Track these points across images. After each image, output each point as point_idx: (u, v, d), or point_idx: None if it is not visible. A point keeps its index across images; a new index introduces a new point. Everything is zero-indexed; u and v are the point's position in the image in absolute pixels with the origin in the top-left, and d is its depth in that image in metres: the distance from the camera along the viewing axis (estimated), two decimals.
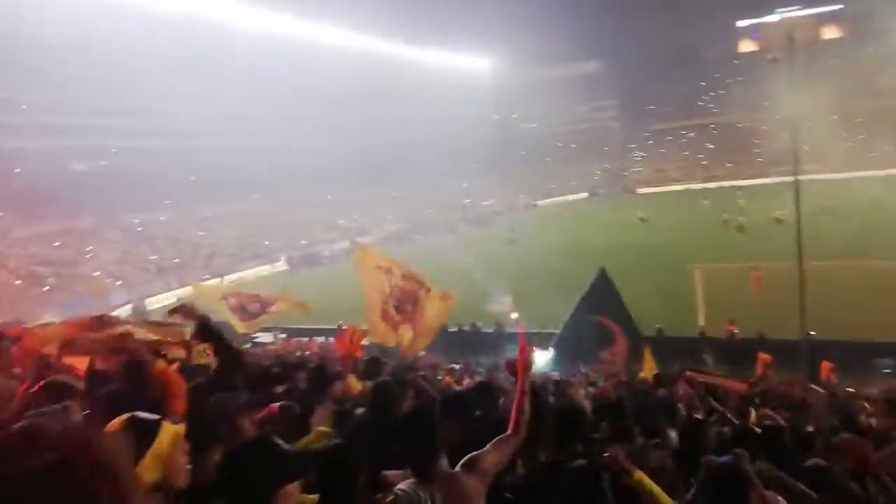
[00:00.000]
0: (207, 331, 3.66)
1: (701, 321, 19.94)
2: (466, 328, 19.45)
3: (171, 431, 2.06)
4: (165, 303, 25.57)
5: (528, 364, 3.15)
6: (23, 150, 46.07)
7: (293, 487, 2.02)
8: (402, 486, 2.54)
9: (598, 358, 13.04)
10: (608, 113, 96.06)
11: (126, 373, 3.47)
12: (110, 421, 2.76)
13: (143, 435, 1.98)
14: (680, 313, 20.79)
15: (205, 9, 58.53)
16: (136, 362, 3.39)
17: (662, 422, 5.09)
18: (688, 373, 7.70)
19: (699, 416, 5.65)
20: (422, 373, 8.10)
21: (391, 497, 2.48)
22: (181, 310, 4.14)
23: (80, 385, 3.43)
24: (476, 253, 34.89)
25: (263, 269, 43.52)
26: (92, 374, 3.84)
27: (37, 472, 1.77)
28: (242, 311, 7.96)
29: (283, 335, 19.22)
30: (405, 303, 7.35)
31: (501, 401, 4.24)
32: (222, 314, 7.68)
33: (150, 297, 33.74)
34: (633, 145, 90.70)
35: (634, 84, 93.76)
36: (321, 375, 4.31)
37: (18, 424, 2.37)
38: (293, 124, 66.40)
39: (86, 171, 48.80)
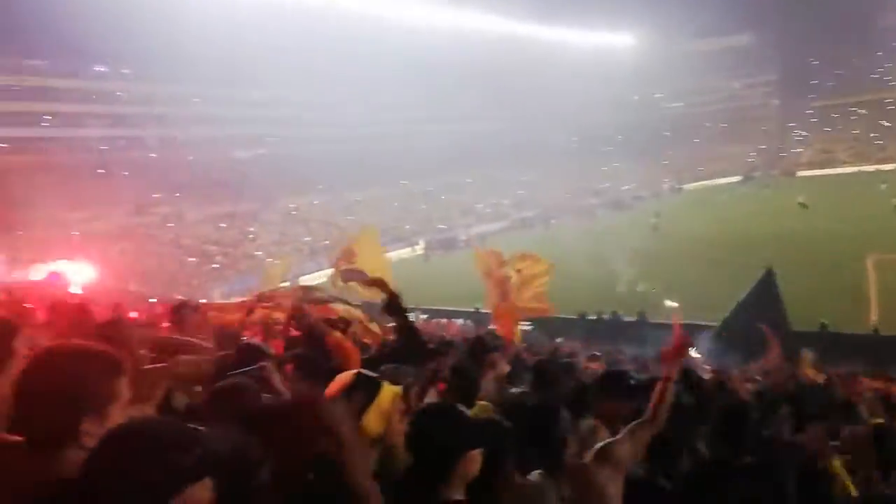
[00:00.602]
0: (396, 306, 3.85)
1: (874, 317, 17.99)
2: (606, 316, 19.00)
3: (391, 391, 2.18)
4: (316, 282, 27.38)
5: (681, 353, 3.02)
6: (194, 140, 51.35)
7: (476, 454, 2.09)
8: (530, 477, 2.46)
9: (749, 366, 12.22)
10: (764, 89, 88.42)
11: (309, 340, 3.77)
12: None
13: (368, 391, 2.12)
14: (849, 308, 18.88)
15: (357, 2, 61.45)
16: (317, 330, 3.67)
17: (840, 423, 4.67)
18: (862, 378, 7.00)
19: (881, 421, 5.12)
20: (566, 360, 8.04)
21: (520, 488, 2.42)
22: (378, 283, 4.36)
23: (270, 349, 3.76)
24: (615, 239, 33.84)
25: (403, 252, 45.12)
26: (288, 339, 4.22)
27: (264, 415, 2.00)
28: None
29: (425, 315, 19.82)
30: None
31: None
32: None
33: (303, 275, 36.31)
34: (794, 124, 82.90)
35: (795, 56, 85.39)
36: (481, 347, 4.42)
37: (226, 382, 2.68)
38: (435, 110, 68.07)
39: (249, 159, 53.47)
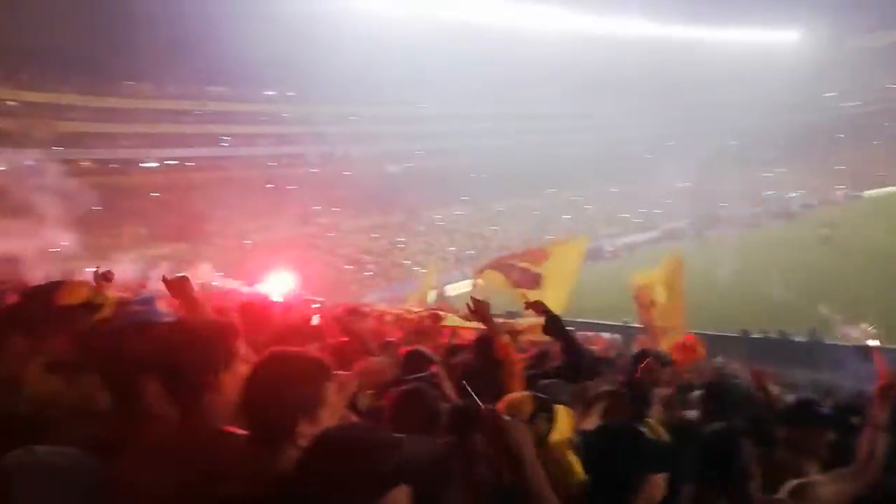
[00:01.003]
0: (558, 329, 3.83)
1: None
2: (773, 335, 17.48)
3: (568, 416, 2.17)
4: (462, 291, 27.88)
5: (889, 392, 2.58)
6: (350, 155, 54.72)
7: (660, 479, 2.02)
8: None
9: None
10: None
11: (477, 347, 3.85)
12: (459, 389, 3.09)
13: (547, 415, 2.12)
14: None
15: (499, 13, 62.27)
16: (487, 337, 3.73)
17: None
18: None
19: None
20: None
21: None
22: (534, 306, 4.34)
23: (436, 356, 3.90)
24: (780, 252, 31.09)
25: None
26: (451, 347, 4.35)
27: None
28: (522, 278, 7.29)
29: (569, 329, 19.32)
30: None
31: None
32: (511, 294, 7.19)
33: (449, 284, 37.18)
34: None
35: None
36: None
37: (409, 386, 2.82)
38: (580, 117, 67.02)
39: (398, 173, 55.99)
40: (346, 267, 39.96)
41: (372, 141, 55.91)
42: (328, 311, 5.69)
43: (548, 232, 50.90)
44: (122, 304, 2.81)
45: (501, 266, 7.13)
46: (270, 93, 53.63)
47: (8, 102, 39.62)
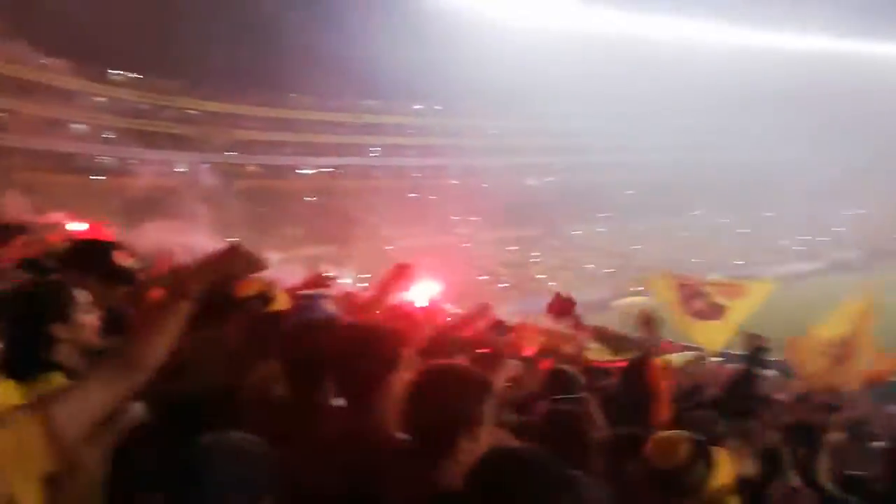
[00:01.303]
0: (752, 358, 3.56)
1: None
2: None
3: (727, 459, 2.01)
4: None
5: None
6: (489, 167, 55.28)
7: None
8: None
9: None
10: None
11: (627, 372, 3.67)
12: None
13: (706, 461, 1.97)
14: None
15: (652, 26, 60.21)
16: (637, 361, 3.56)
17: None
18: None
19: None
20: None
21: None
22: (645, 321, 4.11)
23: (581, 377, 3.76)
24: None
25: None
26: (590, 368, 4.21)
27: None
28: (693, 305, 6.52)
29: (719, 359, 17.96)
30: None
31: None
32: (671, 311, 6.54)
33: (585, 303, 36.30)
34: None
35: None
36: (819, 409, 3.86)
37: (562, 408, 2.74)
38: (740, 136, 62.84)
39: (536, 186, 55.70)
40: (481, 278, 40.31)
41: (512, 154, 56.17)
42: (470, 321, 5.70)
43: (695, 256, 48.11)
44: (295, 299, 2.98)
45: (683, 286, 6.49)
46: (419, 106, 55.69)
47: (190, 111, 44.50)
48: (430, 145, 54.77)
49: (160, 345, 1.40)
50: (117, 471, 1.56)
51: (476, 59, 47.65)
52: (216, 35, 39.88)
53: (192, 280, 1.47)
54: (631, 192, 55.19)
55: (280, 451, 1.51)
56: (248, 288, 3.10)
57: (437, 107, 55.82)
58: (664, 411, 3.46)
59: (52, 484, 1.28)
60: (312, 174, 50.25)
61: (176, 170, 42.12)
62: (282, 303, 3.18)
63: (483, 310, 4.36)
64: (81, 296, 2.13)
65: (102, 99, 40.26)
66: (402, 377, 1.69)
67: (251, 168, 47.20)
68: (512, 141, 56.51)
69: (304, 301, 2.85)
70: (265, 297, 3.10)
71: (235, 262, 1.51)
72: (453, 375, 1.57)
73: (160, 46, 39.50)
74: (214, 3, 42.41)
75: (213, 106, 44.78)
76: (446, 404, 1.49)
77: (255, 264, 1.59)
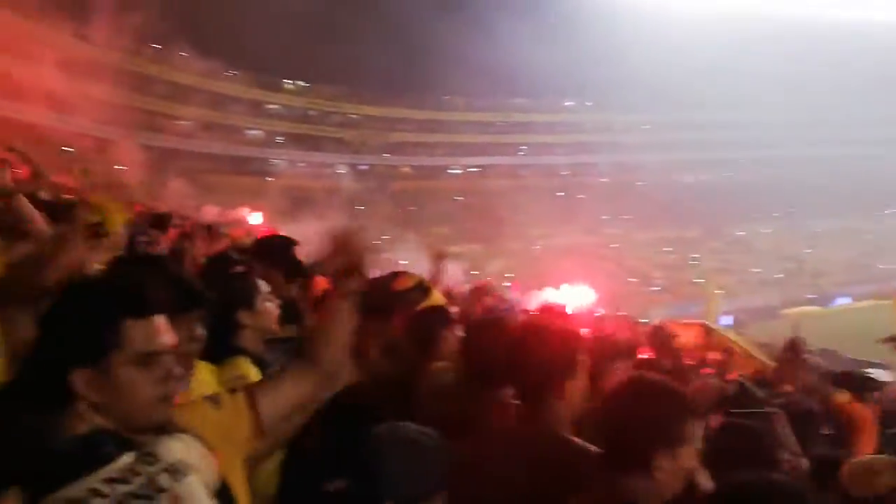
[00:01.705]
0: None
1: None
2: None
3: None
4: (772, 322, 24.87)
5: None
6: (642, 164, 52.95)
7: None
8: None
9: None
10: None
11: (807, 390, 3.32)
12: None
13: None
14: None
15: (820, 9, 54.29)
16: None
17: None
18: None
19: None
20: None
21: None
22: (792, 345, 3.72)
23: (760, 393, 3.43)
24: None
25: (864, 302, 30.95)
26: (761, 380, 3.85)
27: None
28: None
29: None
30: None
31: None
32: None
33: (748, 309, 33.61)
34: None
35: None
36: None
37: (746, 423, 2.51)
38: None
39: (694, 183, 52.43)
40: (631, 280, 38.77)
41: (667, 150, 53.29)
42: (628, 326, 5.49)
43: (882, 261, 42.77)
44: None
45: None
46: (569, 103, 54.73)
47: (351, 115, 47.37)
48: (580, 142, 53.61)
49: (340, 346, 1.46)
50: (296, 458, 1.64)
51: (627, 51, 45.96)
52: (374, 43, 42.10)
53: (336, 274, 1.50)
54: (805, 189, 50.20)
55: (454, 443, 1.52)
56: (406, 281, 3.20)
57: (587, 102, 54.55)
58: (866, 438, 3.09)
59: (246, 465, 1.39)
60: (461, 174, 51.32)
61: (337, 171, 45.19)
62: (437, 298, 3.24)
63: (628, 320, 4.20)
64: (264, 286, 2.30)
65: (276, 106, 44.21)
66: (578, 383, 1.66)
67: (405, 169, 49.23)
68: (667, 136, 53.65)
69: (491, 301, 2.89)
70: (423, 289, 3.19)
71: (349, 248, 1.50)
72: (653, 391, 1.48)
73: (325, 56, 42.45)
74: (372, 14, 44.86)
75: (371, 110, 47.32)
76: (644, 420, 1.43)
77: (364, 251, 1.57)
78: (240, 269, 2.69)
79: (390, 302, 2.91)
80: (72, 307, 1.10)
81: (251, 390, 1.35)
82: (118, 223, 3.04)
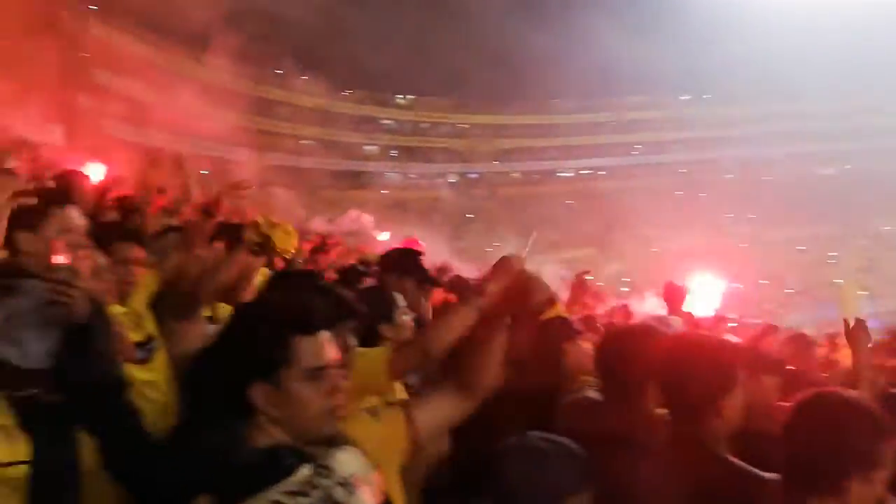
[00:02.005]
0: None
1: None
2: None
3: None
4: None
5: None
6: (770, 158, 49.36)
7: None
8: None
9: None
10: None
11: None
12: None
13: None
14: None
15: None
16: None
17: None
18: None
19: None
20: None
21: None
22: None
23: None
24: None
25: None
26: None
27: None
28: None
29: None
30: None
31: None
32: None
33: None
34: None
35: None
36: None
37: None
38: None
39: (831, 176, 48.19)
40: (762, 282, 36.24)
41: (798, 141, 49.27)
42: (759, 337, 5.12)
43: None
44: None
45: None
46: (685, 97, 52.22)
47: (459, 125, 48.03)
48: (698, 138, 50.95)
49: (493, 369, 1.48)
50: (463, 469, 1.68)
51: (744, 38, 43.17)
52: (477, 53, 42.48)
53: (495, 304, 1.52)
54: None
55: (597, 453, 1.48)
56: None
57: (705, 96, 51.74)
58: None
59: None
60: (572, 177, 50.40)
61: (448, 181, 45.92)
62: (558, 309, 3.20)
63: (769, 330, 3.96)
64: (401, 299, 2.38)
65: (389, 121, 45.81)
66: (736, 400, 1.58)
67: (514, 175, 49.13)
68: (796, 126, 49.61)
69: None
70: (548, 301, 3.16)
71: (532, 290, 1.51)
72: (848, 408, 1.36)
73: (431, 69, 43.38)
74: (471, 26, 45.34)
75: (478, 118, 47.75)
76: (839, 441, 1.32)
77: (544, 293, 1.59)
78: (369, 281, 2.81)
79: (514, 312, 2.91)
80: (246, 326, 1.19)
81: (408, 404, 1.40)
82: (289, 243, 3.29)
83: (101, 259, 2.05)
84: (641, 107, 50.25)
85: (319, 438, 1.14)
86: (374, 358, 1.61)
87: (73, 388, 1.73)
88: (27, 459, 1.60)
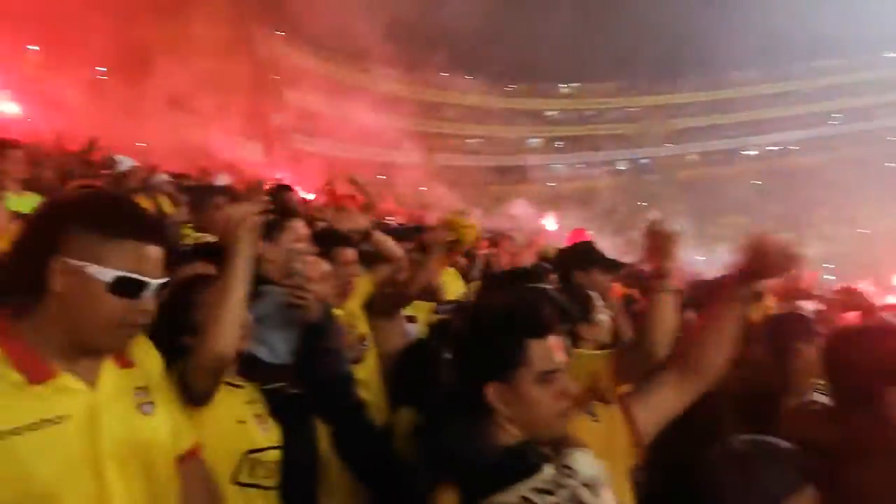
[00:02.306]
0: None
1: None
2: None
3: None
4: None
5: None
6: None
7: None
8: None
9: None
10: None
11: None
12: None
13: None
14: None
15: None
16: None
17: None
18: None
19: None
20: None
21: None
22: None
23: None
24: None
25: None
26: None
27: None
28: None
29: None
30: None
31: None
32: None
33: None
34: None
35: None
36: None
37: None
38: None
39: None
40: None
41: None
42: None
43: None
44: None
45: None
46: (890, 55, 45.24)
47: (628, 109, 46.07)
48: None
49: (726, 347, 1.41)
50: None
51: None
52: (645, 30, 40.28)
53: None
54: None
55: (828, 463, 1.37)
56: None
57: None
58: None
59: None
60: (758, 154, 46.09)
61: (618, 168, 44.36)
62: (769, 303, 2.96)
63: None
64: (597, 298, 2.35)
65: (553, 112, 45.29)
66: None
67: (691, 157, 46.14)
68: None
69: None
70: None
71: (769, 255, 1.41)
72: (870, 331, 1.21)
73: (596, 53, 42.01)
74: (636, 2, 42.99)
75: (649, 100, 45.46)
76: (863, 358, 1.35)
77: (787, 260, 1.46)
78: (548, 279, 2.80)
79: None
80: (482, 328, 1.25)
81: (625, 400, 1.37)
82: (470, 238, 3.42)
83: (327, 265, 2.28)
84: (837, 70, 44.52)
85: (549, 440, 1.17)
86: (596, 361, 1.57)
87: (310, 382, 1.95)
88: (279, 445, 1.82)
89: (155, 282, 1.19)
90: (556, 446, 1.17)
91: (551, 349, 1.19)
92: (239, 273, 1.52)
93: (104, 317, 1.14)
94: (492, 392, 1.16)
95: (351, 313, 2.69)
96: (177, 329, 1.67)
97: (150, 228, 1.21)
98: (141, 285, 1.16)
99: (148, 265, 1.17)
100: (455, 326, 2.34)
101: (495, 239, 6.77)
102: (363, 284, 2.91)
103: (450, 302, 3.39)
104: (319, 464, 2.02)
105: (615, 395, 1.52)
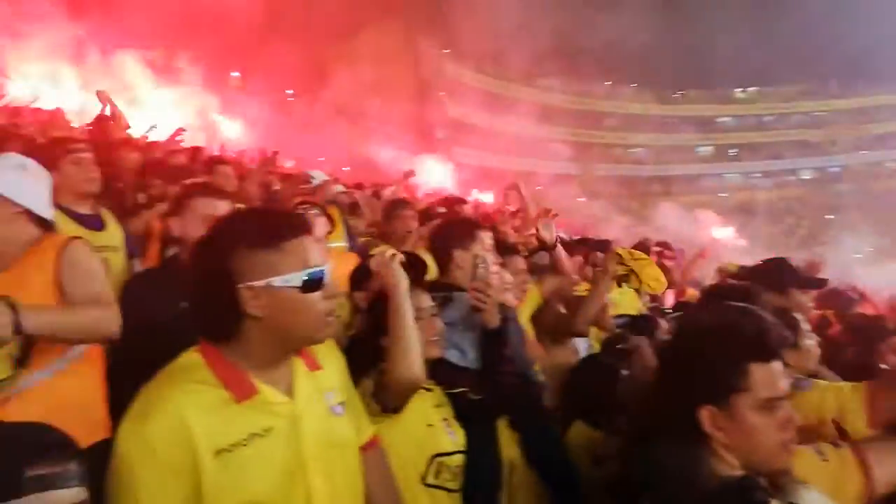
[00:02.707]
0: None
1: None
2: None
3: None
4: None
5: None
6: None
7: None
8: None
9: None
10: None
11: None
12: None
13: None
14: None
15: None
16: None
17: None
18: None
19: None
20: None
21: None
22: None
23: None
24: None
25: None
26: None
27: None
28: None
29: None
30: None
31: None
32: None
33: None
34: None
35: None
36: None
37: None
38: None
39: None
40: None
41: None
42: None
43: None
44: None
45: None
46: None
47: (816, 113, 41.67)
48: None
49: None
50: None
51: None
52: (832, 27, 36.12)
53: None
54: None
55: None
56: None
57: None
58: None
59: None
60: None
61: (801, 177, 40.24)
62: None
63: None
64: (802, 320, 2.13)
65: (726, 118, 42.24)
66: None
67: (890, 164, 40.68)
68: None
69: None
70: None
71: None
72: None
73: (775, 55, 38.64)
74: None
75: (839, 104, 40.83)
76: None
77: None
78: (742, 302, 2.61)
79: None
80: (700, 347, 1.17)
81: (858, 445, 1.22)
82: (657, 284, 3.34)
83: (509, 275, 2.31)
84: None
85: (768, 473, 1.07)
86: (841, 394, 1.39)
87: (494, 387, 1.97)
88: (464, 449, 1.86)
89: (327, 265, 1.25)
90: (775, 481, 1.07)
91: (777, 375, 1.10)
92: (403, 303, 1.65)
93: (313, 316, 1.22)
94: (706, 416, 1.09)
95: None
96: (376, 331, 1.78)
97: (296, 222, 1.27)
98: (322, 274, 1.22)
99: (314, 254, 1.23)
100: (660, 344, 2.28)
101: (661, 251, 6.43)
102: (532, 294, 2.93)
103: (621, 316, 3.30)
104: (502, 469, 2.03)
105: (850, 437, 1.35)
